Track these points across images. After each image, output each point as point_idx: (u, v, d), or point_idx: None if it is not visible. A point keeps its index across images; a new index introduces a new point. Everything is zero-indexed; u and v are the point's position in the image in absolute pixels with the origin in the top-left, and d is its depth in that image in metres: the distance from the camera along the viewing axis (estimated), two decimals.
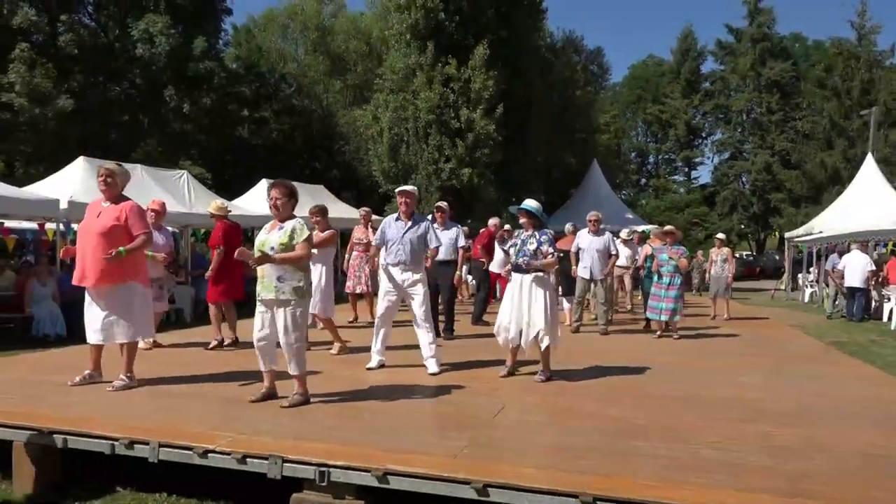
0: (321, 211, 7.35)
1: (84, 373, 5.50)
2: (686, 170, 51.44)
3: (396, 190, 6.60)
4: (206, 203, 13.63)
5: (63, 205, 10.94)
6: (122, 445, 4.00)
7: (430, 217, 9.65)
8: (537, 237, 5.94)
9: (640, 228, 17.93)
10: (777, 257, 33.05)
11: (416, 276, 6.24)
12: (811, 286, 19.76)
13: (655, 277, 9.22)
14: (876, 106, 28.12)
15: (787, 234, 23.41)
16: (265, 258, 4.69)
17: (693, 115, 46.94)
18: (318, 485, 3.60)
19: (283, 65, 34.96)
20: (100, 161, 13.44)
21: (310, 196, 18.61)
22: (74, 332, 9.98)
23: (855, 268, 14.01)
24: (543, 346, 5.87)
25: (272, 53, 35.40)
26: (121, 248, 5.15)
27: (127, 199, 5.53)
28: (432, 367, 6.21)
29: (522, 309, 5.86)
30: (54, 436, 4.13)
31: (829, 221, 18.77)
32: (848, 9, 58.72)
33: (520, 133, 21.19)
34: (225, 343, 7.58)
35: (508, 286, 6.12)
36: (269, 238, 4.83)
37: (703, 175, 72.35)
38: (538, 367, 6.03)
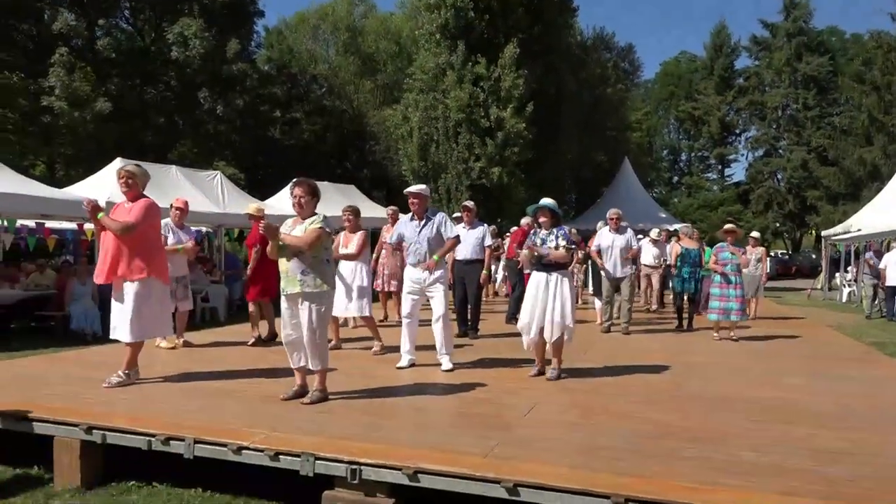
0: (354, 211, 7.40)
1: (118, 372, 5.48)
2: (719, 167, 50.59)
3: (405, 192, 6.58)
4: (239, 203, 13.83)
5: (101, 205, 11.17)
6: (159, 441, 4.07)
7: (456, 216, 9.64)
8: (555, 233, 5.97)
9: (674, 227, 17.69)
10: (813, 256, 32.46)
11: (436, 275, 6.23)
12: (849, 285, 19.30)
13: (717, 278, 9.02)
14: None
15: (824, 233, 22.91)
16: (273, 229, 4.75)
17: (727, 111, 46.11)
18: (350, 482, 3.62)
19: (314, 66, 35.28)
20: (137, 163, 13.74)
21: (341, 195, 18.73)
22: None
23: None
24: (558, 339, 5.87)
25: (303, 55, 35.74)
26: (100, 213, 5.30)
27: (145, 197, 5.61)
28: (446, 363, 6.25)
29: (547, 307, 5.86)
30: (94, 431, 4.22)
31: (869, 219, 18.30)
32: (887, 0, 57.21)
33: (550, 131, 21.10)
34: (264, 338, 7.76)
35: (529, 285, 6.10)
36: (292, 234, 4.90)
37: (738, 172, 71.01)
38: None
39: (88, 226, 13.02)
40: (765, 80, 42.69)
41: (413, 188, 6.51)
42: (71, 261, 15.30)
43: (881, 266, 14.31)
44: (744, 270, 11.97)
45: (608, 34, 38.06)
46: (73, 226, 14.41)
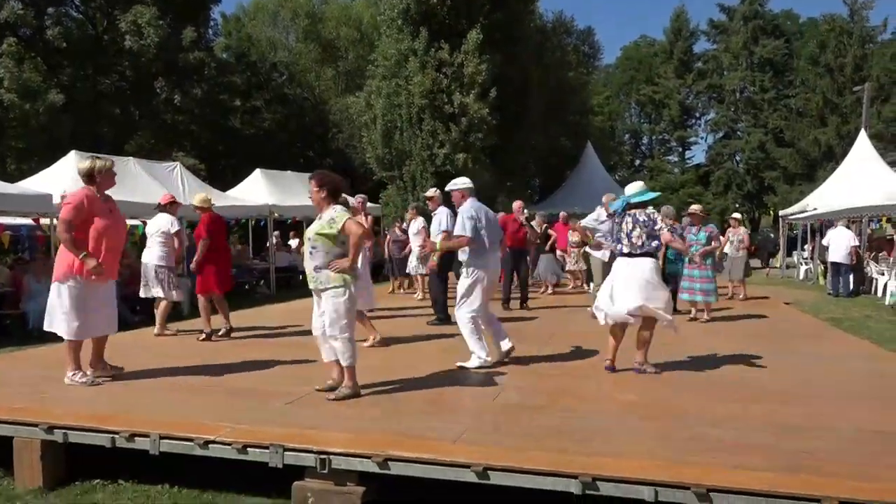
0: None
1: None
2: (680, 150, 51.34)
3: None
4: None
5: (56, 199, 10.86)
6: (123, 438, 4.00)
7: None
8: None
9: None
10: (772, 235, 33.29)
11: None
12: (805, 263, 19.80)
13: (686, 259, 9.12)
14: (869, 82, 28.08)
15: (781, 212, 23.43)
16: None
17: (686, 94, 46.76)
18: (320, 472, 3.61)
19: (274, 53, 34.65)
20: (93, 155, 13.39)
21: (304, 185, 18.53)
22: None
23: (839, 244, 14.08)
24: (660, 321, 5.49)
25: (263, 42, 35.06)
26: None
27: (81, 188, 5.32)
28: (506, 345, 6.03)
29: (628, 289, 5.47)
30: (55, 431, 4.13)
31: (824, 198, 18.76)
32: None
33: (514, 117, 21.12)
34: (220, 333, 7.60)
35: (613, 270, 5.72)
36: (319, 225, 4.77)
37: (697, 155, 72.34)
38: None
39: (44, 221, 12.67)
40: (723, 63, 43.36)
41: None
42: (27, 258, 14.86)
43: (824, 243, 14.68)
44: (727, 252, 11.97)
45: (568, 18, 38.15)
46: (28, 221, 14.00)
